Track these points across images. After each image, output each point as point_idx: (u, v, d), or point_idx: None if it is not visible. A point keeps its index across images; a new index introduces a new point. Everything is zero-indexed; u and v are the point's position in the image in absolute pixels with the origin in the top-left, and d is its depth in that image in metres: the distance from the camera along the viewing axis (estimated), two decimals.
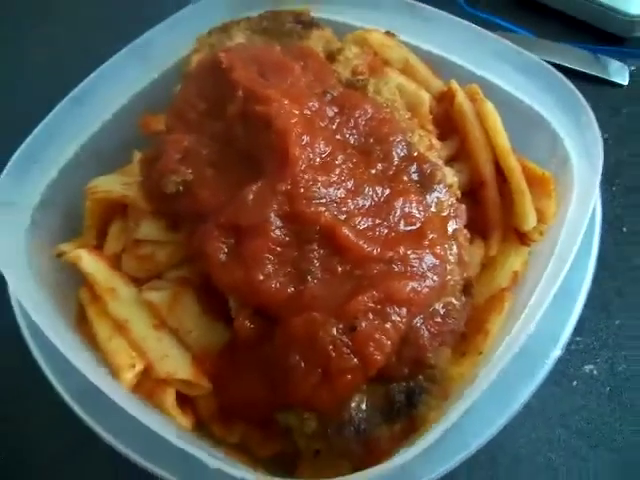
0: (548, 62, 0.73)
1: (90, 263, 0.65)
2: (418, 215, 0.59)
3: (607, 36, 1.01)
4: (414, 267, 0.55)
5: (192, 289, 0.62)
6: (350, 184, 0.57)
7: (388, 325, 0.52)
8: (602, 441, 0.69)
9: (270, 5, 0.82)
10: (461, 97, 0.72)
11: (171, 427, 0.58)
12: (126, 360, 0.59)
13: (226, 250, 0.55)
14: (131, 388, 0.59)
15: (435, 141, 0.70)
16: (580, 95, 0.71)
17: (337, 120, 0.61)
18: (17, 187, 0.69)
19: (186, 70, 0.74)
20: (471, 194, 0.72)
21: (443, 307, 0.58)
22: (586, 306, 0.61)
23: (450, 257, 0.59)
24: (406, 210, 0.58)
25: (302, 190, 0.55)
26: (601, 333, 0.76)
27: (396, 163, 0.60)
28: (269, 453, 0.62)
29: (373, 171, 0.59)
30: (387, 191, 0.59)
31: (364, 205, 0.57)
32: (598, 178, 0.66)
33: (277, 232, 0.54)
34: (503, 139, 0.70)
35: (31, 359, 0.60)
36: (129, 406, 0.54)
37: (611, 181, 0.89)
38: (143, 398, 0.59)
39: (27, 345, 0.62)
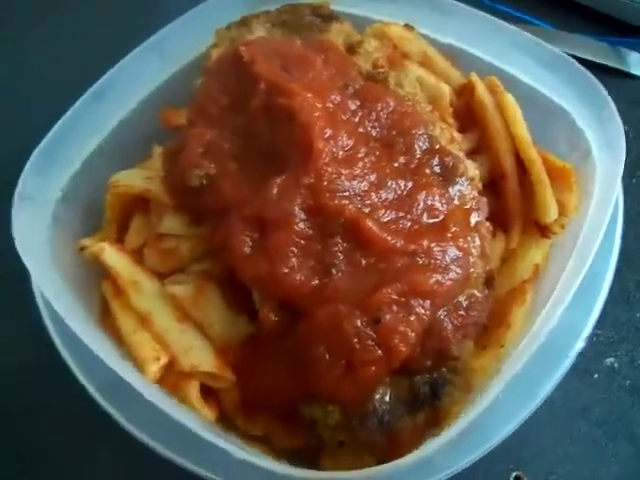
0: (567, 54, 0.72)
1: (113, 256, 0.65)
2: (441, 208, 0.59)
3: (626, 28, 1.00)
4: (437, 259, 0.55)
5: (215, 282, 0.62)
6: (373, 177, 0.57)
7: (412, 317, 0.53)
8: (622, 433, 0.69)
9: None
10: (481, 89, 0.72)
11: (196, 419, 0.58)
12: (150, 353, 0.59)
13: (250, 243, 0.55)
14: (156, 381, 0.60)
15: (456, 134, 0.70)
16: (602, 87, 0.70)
17: (359, 113, 0.61)
18: (39, 182, 0.69)
19: (206, 64, 0.73)
20: (491, 186, 0.72)
21: (466, 299, 0.58)
22: (607, 299, 0.61)
23: (473, 249, 0.59)
24: (429, 203, 0.58)
25: (326, 183, 0.55)
26: (622, 326, 0.76)
27: (418, 156, 0.60)
28: (292, 445, 0.62)
29: (395, 164, 0.59)
30: (410, 184, 0.59)
31: (387, 198, 0.57)
32: (620, 171, 0.65)
33: (301, 225, 0.55)
34: (523, 130, 0.70)
35: (56, 353, 0.61)
36: (155, 398, 0.54)
37: (632, 174, 0.88)
38: (167, 391, 0.60)
39: (52, 339, 0.62)
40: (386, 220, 0.56)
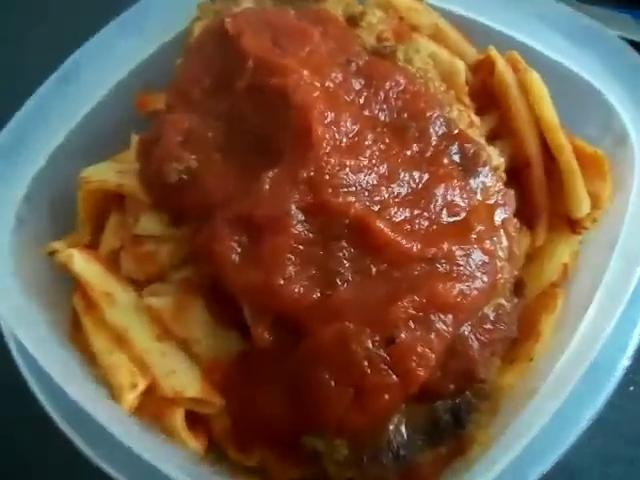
0: None
1: (83, 264, 0.58)
2: (462, 204, 0.52)
3: None
4: (461, 266, 0.49)
5: (200, 293, 0.55)
6: (383, 169, 0.51)
7: (432, 335, 0.47)
8: None
9: None
10: (502, 65, 0.65)
11: (177, 455, 0.51)
12: (127, 378, 0.53)
13: (239, 249, 0.49)
14: (133, 410, 0.53)
15: (474, 117, 0.62)
16: None
17: (364, 93, 0.55)
18: None
19: (188, 41, 0.66)
20: (513, 176, 0.64)
21: (493, 311, 0.52)
22: None
23: (500, 252, 0.52)
24: (448, 198, 0.52)
25: (327, 177, 0.49)
26: None
27: (434, 143, 0.54)
28: (292, 478, 0.55)
29: (408, 153, 0.53)
30: (426, 176, 0.52)
31: (400, 193, 0.51)
32: None
33: (299, 227, 0.49)
34: (550, 112, 0.63)
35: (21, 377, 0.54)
36: (127, 435, 0.47)
37: None
38: (148, 420, 0.54)
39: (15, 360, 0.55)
40: (399, 219, 0.50)
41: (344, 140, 0.51)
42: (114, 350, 0.55)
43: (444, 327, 0.47)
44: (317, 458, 0.52)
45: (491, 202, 0.53)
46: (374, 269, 0.48)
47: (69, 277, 0.61)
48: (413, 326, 0.46)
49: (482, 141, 0.57)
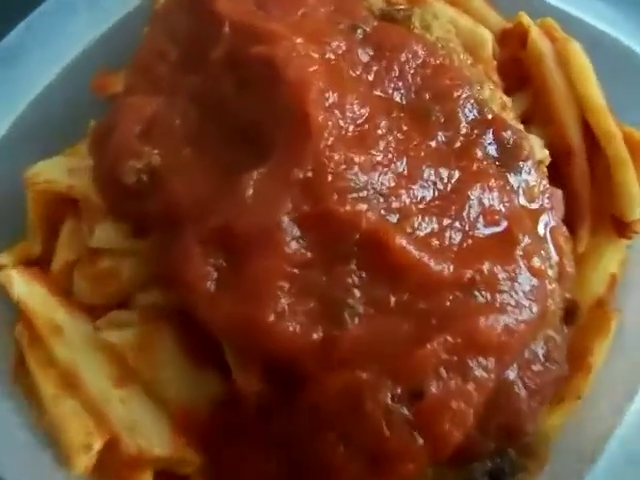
0: None
1: (24, 287, 0.51)
2: (502, 209, 0.43)
3: None
4: (505, 292, 0.40)
5: (169, 323, 0.48)
6: (401, 165, 0.43)
7: (470, 386, 0.38)
8: None
9: None
10: (536, 34, 0.58)
11: None
12: (79, 436, 0.46)
13: (215, 275, 0.40)
14: (88, 474, 0.46)
15: (505, 98, 0.53)
16: None
17: (374, 68, 0.47)
18: None
19: (154, 9, 0.60)
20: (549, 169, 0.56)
21: (542, 346, 0.43)
22: None
23: (549, 271, 0.43)
24: (485, 203, 0.43)
25: (330, 178, 0.40)
26: None
27: (464, 131, 0.46)
28: None
29: (433, 144, 0.45)
30: (456, 174, 0.44)
31: (424, 198, 0.43)
32: None
33: (293, 245, 0.40)
34: (595, 91, 0.57)
35: None
36: None
37: None
38: None
39: None
40: (424, 233, 0.41)
41: (350, 128, 0.43)
42: (63, 397, 0.48)
43: (485, 374, 0.38)
44: None
45: (535, 206, 0.46)
46: (393, 299, 0.40)
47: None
48: (446, 375, 0.38)
49: (521, 127, 0.47)
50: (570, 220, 0.56)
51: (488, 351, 0.38)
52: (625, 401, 0.46)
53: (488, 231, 0.42)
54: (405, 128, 0.44)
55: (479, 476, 0.41)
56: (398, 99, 0.46)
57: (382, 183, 0.41)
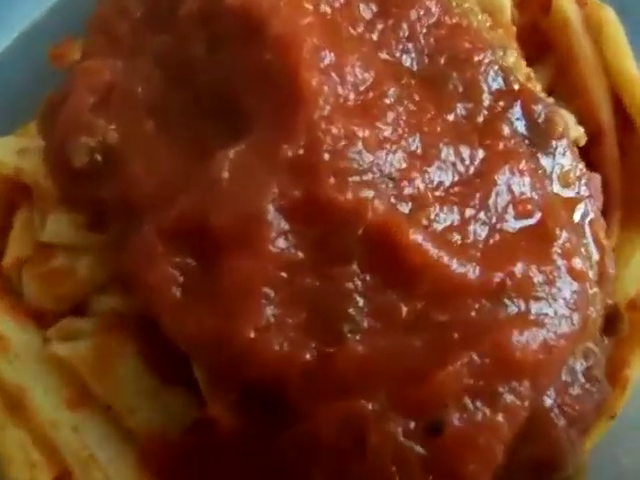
0: None
1: None
2: (535, 197, 0.36)
3: None
4: (541, 300, 0.33)
5: (131, 333, 0.42)
6: (414, 142, 0.36)
7: (499, 417, 0.32)
8: None
9: None
10: None
11: None
12: (23, 471, 0.40)
13: (181, 279, 0.34)
14: None
15: (529, 68, 0.46)
16: None
17: (379, 26, 0.39)
18: None
19: None
20: None
21: (582, 363, 0.36)
22: None
23: (590, 272, 0.36)
24: (515, 190, 0.36)
25: (327, 156, 0.34)
26: None
27: (488, 103, 0.39)
28: None
29: (450, 117, 0.38)
30: (480, 154, 0.37)
31: (442, 183, 0.36)
32: None
33: (280, 242, 0.33)
34: (629, 62, 0.53)
35: None
36: None
37: None
38: None
39: None
40: (443, 226, 0.35)
41: (351, 96, 0.36)
42: (6, 424, 0.42)
43: (517, 401, 0.32)
44: None
45: (571, 194, 0.38)
46: (405, 309, 0.33)
47: None
48: (470, 404, 0.32)
49: (552, 101, 0.41)
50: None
51: (522, 373, 0.32)
52: None
53: (519, 224, 0.35)
54: (417, 98, 0.38)
55: None
56: (408, 64, 0.39)
57: (391, 164, 0.35)
